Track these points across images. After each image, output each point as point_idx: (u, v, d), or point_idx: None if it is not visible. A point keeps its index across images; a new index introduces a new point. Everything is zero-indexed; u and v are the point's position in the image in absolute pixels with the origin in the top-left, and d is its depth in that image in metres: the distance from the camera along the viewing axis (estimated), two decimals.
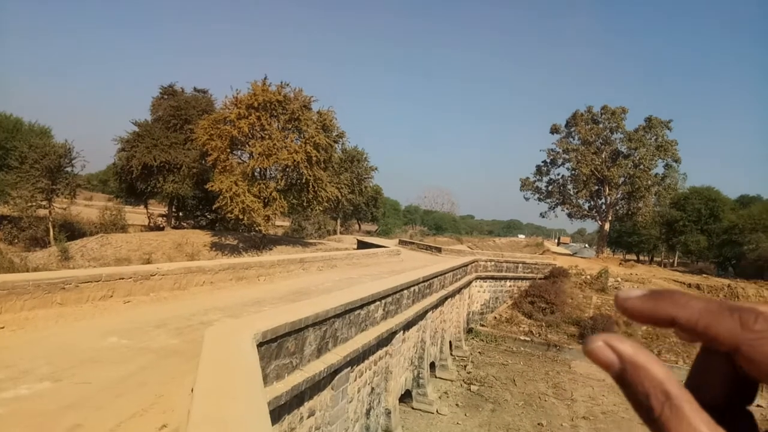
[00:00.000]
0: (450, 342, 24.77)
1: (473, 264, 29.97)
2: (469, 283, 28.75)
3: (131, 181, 43.47)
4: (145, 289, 10.98)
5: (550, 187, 58.27)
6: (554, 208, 58.93)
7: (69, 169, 41.70)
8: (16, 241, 39.66)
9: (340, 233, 64.30)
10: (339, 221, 67.15)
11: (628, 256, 70.87)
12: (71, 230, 42.95)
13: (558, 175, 57.96)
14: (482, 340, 29.74)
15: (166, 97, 47.08)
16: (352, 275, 19.54)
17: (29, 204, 38.75)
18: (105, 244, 36.74)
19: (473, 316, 31.00)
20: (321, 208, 40.74)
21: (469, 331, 30.12)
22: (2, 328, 7.61)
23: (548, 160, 57.43)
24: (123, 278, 10.45)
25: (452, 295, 23.42)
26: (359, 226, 79.51)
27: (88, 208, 52.55)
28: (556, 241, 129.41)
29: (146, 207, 53.05)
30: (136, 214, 52.65)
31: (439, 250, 37.05)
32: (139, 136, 42.65)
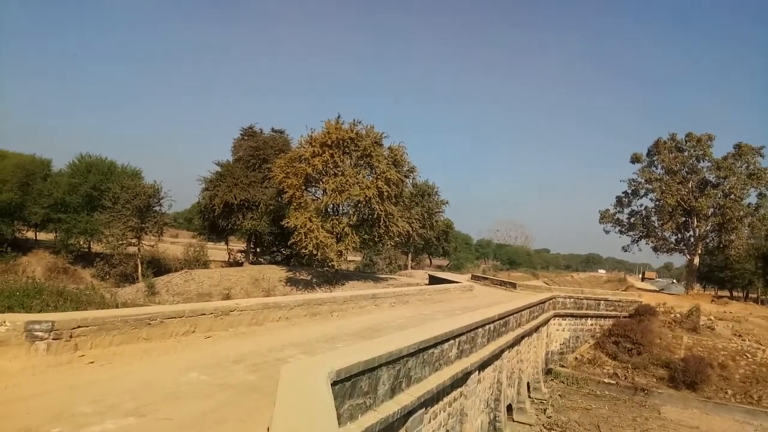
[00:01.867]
0: (528, 383, 23.67)
1: (551, 301, 28.78)
2: (547, 321, 27.56)
3: (213, 219, 45.79)
4: (225, 324, 11.30)
5: (632, 219, 55.39)
6: (637, 241, 55.83)
7: (157, 208, 44.59)
8: (107, 277, 42.53)
9: (411, 268, 64.10)
10: (410, 256, 67.11)
11: (720, 293, 65.59)
12: (158, 266, 45.60)
13: (641, 206, 55.05)
14: (562, 382, 28.21)
15: (246, 138, 49.68)
16: (424, 312, 19.27)
17: (120, 242, 41.59)
18: (188, 279, 38.56)
19: (552, 356, 29.58)
20: (392, 243, 40.92)
21: (548, 372, 28.69)
22: (92, 362, 8.02)
23: (629, 191, 54.79)
24: (204, 314, 10.81)
25: (529, 333, 22.49)
26: (430, 260, 78.98)
27: (173, 245, 55.69)
28: (641, 276, 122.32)
29: (227, 243, 55.55)
30: (217, 251, 55.14)
31: (513, 285, 35.95)
32: (221, 176, 45.07)
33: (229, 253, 54.61)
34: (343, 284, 38.15)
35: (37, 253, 45.82)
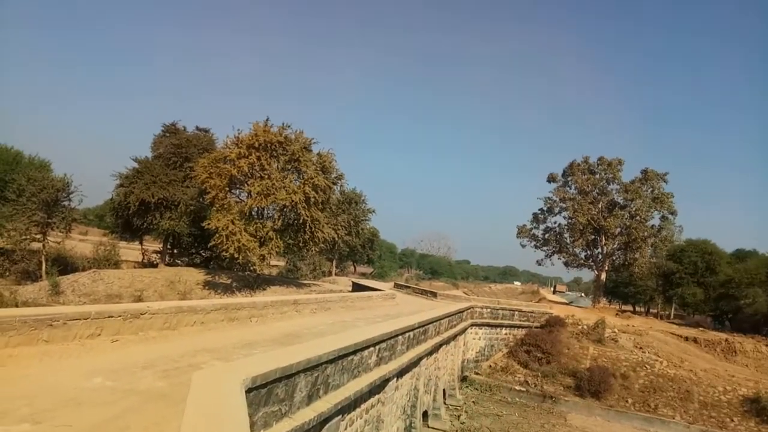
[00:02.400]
0: (444, 390, 24.21)
1: (469, 310, 29.66)
2: (464, 330, 28.37)
3: (128, 217, 43.33)
4: (134, 328, 10.75)
5: (546, 235, 58.46)
6: (551, 256, 58.98)
7: (66, 203, 41.66)
8: (7, 274, 39.18)
9: (336, 275, 63.93)
10: (334, 262, 66.91)
11: (624, 307, 70.29)
12: (64, 264, 42.55)
13: (555, 223, 58.34)
14: (477, 389, 29.11)
15: (167, 134, 47.57)
16: (346, 318, 19.26)
17: (23, 237, 38.49)
18: (97, 279, 36.31)
19: (468, 364, 30.45)
20: (317, 249, 40.62)
21: (464, 379, 29.51)
22: None
23: (545, 208, 57.85)
24: (112, 316, 10.23)
25: (447, 341, 23.05)
26: (354, 268, 79.12)
27: (82, 243, 52.23)
28: (552, 289, 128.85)
29: (141, 243, 52.75)
30: (130, 250, 52.30)
31: (434, 294, 36.73)
32: (138, 173, 42.82)
33: (143, 254, 51.90)
34: (264, 289, 37.35)
35: None
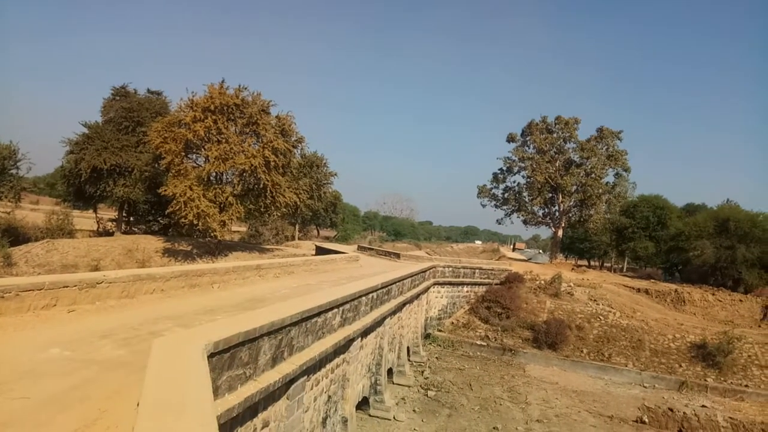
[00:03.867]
0: (408, 348, 24.82)
1: (431, 270, 30.18)
2: (427, 289, 28.93)
3: (80, 185, 41.79)
4: (91, 297, 10.54)
5: (506, 195, 59.49)
6: (510, 215, 60.20)
7: (13, 171, 39.90)
8: None
9: (299, 239, 63.70)
10: (297, 227, 66.56)
11: (580, 262, 72.93)
12: (15, 235, 40.95)
13: (514, 182, 59.32)
14: (440, 346, 29.95)
15: (118, 98, 45.51)
16: (310, 282, 19.34)
17: None
18: (51, 249, 35.18)
19: (431, 322, 31.19)
20: (279, 214, 40.27)
21: (427, 336, 30.28)
22: None
23: (504, 168, 58.66)
24: (67, 286, 9.99)
25: (410, 301, 23.49)
26: (318, 231, 78.95)
27: (33, 212, 50.27)
28: (512, 247, 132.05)
29: (95, 212, 51.14)
30: (84, 219, 50.69)
31: (397, 256, 37.16)
32: (88, 138, 41.09)
33: (98, 222, 50.39)
34: (226, 255, 36.99)
35: None
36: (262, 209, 36.90)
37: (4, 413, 5.19)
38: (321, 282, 19.54)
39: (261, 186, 34.58)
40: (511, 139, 57.76)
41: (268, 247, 46.52)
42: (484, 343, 29.97)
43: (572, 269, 49.94)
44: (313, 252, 40.58)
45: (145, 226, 49.47)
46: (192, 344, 5.56)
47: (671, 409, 22.89)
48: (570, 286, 36.44)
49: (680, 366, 27.82)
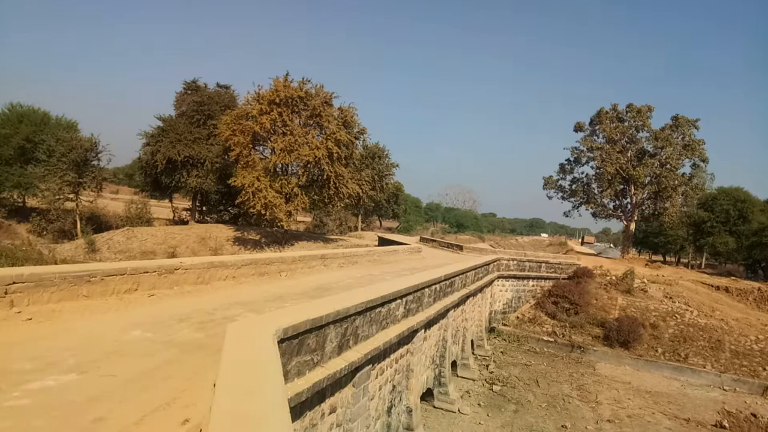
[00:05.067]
0: (472, 341, 24.59)
1: (495, 263, 29.70)
2: (491, 282, 28.50)
3: (156, 176, 44.13)
4: (169, 282, 11.09)
5: (573, 186, 57.42)
6: (578, 207, 58.08)
7: (95, 162, 42.55)
8: (44, 232, 40.62)
9: (361, 230, 64.38)
10: (360, 218, 67.28)
11: (654, 257, 69.59)
12: (98, 223, 43.83)
13: (582, 173, 57.07)
14: (504, 340, 29.46)
15: (189, 92, 47.62)
16: (373, 272, 19.50)
17: (57, 197, 39.63)
18: (131, 237, 37.35)
19: (495, 316, 30.75)
20: (342, 205, 40.84)
21: (491, 330, 29.87)
22: (30, 319, 7.73)
23: (572, 159, 56.58)
24: (147, 272, 10.56)
25: (474, 294, 23.22)
26: (380, 222, 79.52)
27: (114, 202, 53.59)
28: (580, 240, 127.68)
29: (171, 201, 53.83)
30: (161, 208, 53.48)
31: (460, 248, 36.79)
32: (163, 131, 43.26)
33: (173, 211, 53.06)
34: (292, 244, 37.96)
35: None
36: (325, 200, 37.55)
37: (94, 389, 5.54)
38: (384, 273, 19.65)
39: (325, 177, 35.18)
40: (579, 128, 55.62)
41: (331, 237, 47.34)
42: (552, 339, 29.20)
43: (646, 265, 47.65)
44: (376, 243, 40.90)
45: (217, 216, 51.61)
46: (263, 330, 5.73)
47: (754, 415, 21.47)
48: (643, 282, 34.83)
49: (764, 369, 26.01)
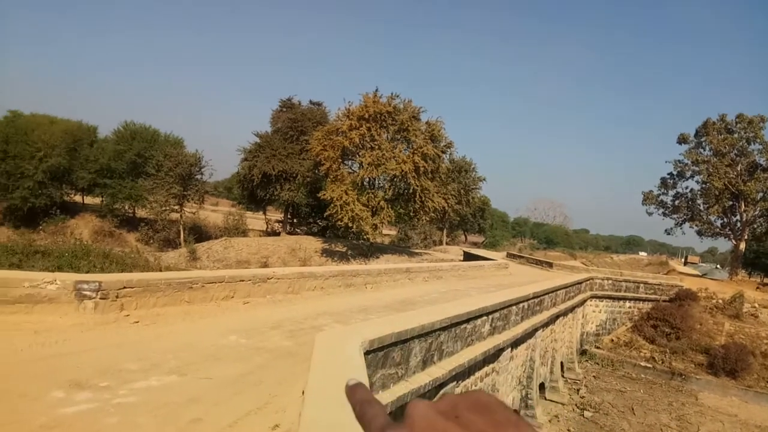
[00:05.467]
0: (561, 363, 23.54)
1: (588, 282, 28.34)
2: (583, 302, 27.21)
3: (252, 189, 46.59)
4: (263, 291, 11.60)
5: (676, 202, 53.63)
6: (681, 224, 54.12)
7: (199, 176, 45.59)
8: (151, 241, 44.01)
9: (446, 244, 63.92)
10: (445, 232, 66.83)
11: (766, 280, 63.24)
12: (199, 233, 46.84)
13: (686, 188, 53.13)
14: (597, 364, 27.94)
15: (284, 109, 49.96)
16: (458, 287, 19.27)
17: (163, 208, 42.85)
18: (228, 246, 39.52)
19: (587, 337, 29.27)
20: (427, 218, 40.79)
21: (583, 352, 28.45)
22: (137, 322, 8.37)
23: (675, 173, 52.92)
24: (243, 280, 11.12)
25: (564, 313, 22.27)
26: (465, 237, 78.60)
27: (214, 213, 57.03)
28: (683, 260, 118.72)
29: (265, 213, 56.48)
30: (255, 220, 56.22)
31: (550, 265, 35.50)
32: (260, 147, 45.64)
33: (267, 223, 55.59)
34: (377, 257, 38.43)
35: (84, 216, 47.72)
36: (411, 213, 37.71)
37: (192, 390, 5.90)
38: (469, 288, 19.37)
39: (411, 191, 35.40)
40: (683, 140, 52.02)
41: (416, 250, 47.41)
42: (649, 365, 27.32)
43: (757, 288, 43.43)
44: (461, 257, 40.44)
45: (306, 228, 53.43)
46: (350, 341, 5.83)
47: None
48: (754, 307, 31.79)
49: None
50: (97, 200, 52.52)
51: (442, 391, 8.76)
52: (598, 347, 29.30)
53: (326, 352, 5.35)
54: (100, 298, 8.30)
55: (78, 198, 54.79)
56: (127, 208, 50.23)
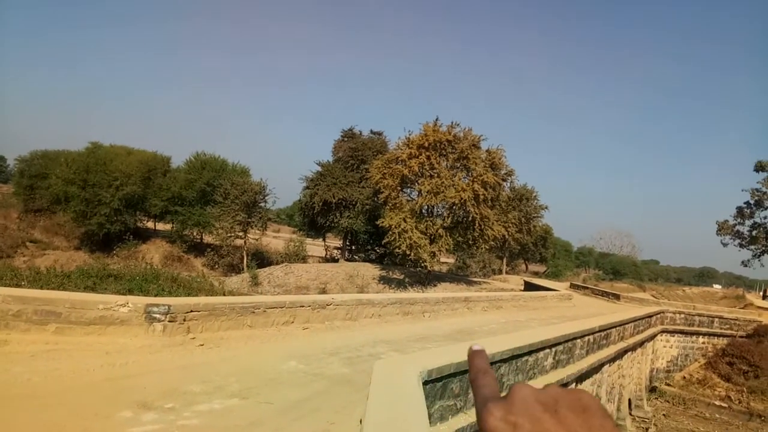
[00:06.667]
0: (629, 400, 22.28)
1: (659, 315, 26.90)
2: (653, 337, 25.80)
3: (313, 216, 47.64)
4: (321, 317, 11.74)
5: (754, 232, 50.33)
6: (760, 256, 50.67)
7: (262, 204, 47.11)
8: (216, 266, 45.59)
9: (506, 273, 62.59)
10: (505, 260, 65.52)
11: None
12: (261, 259, 48.14)
13: (765, 218, 49.89)
14: (668, 402, 26.26)
15: (345, 139, 51.20)
16: (519, 318, 18.77)
17: (229, 234, 44.40)
18: (288, 272, 40.35)
19: (657, 374, 27.64)
20: (486, 247, 40.20)
21: (652, 390, 26.84)
22: (202, 345, 8.65)
23: (752, 202, 49.81)
24: (303, 306, 11.30)
25: (633, 348, 21.16)
26: (526, 266, 76.69)
27: (275, 240, 58.55)
28: (762, 294, 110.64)
29: (324, 240, 57.45)
30: (315, 246, 57.23)
31: (617, 297, 34.00)
32: (321, 176, 46.79)
33: (325, 250, 56.46)
34: (435, 285, 38.11)
35: (156, 241, 50.10)
36: (470, 242, 37.30)
37: (253, 414, 6.01)
38: (530, 319, 18.82)
39: (470, 219, 35.10)
40: (760, 167, 49.01)
41: (475, 279, 46.67)
42: (725, 405, 25.40)
43: None
44: (521, 287, 39.45)
45: (364, 255, 53.85)
46: (408, 370, 5.78)
47: None
48: None
49: None
50: (168, 226, 55.09)
51: None
52: (668, 384, 27.59)
53: (384, 381, 5.33)
54: (169, 321, 8.65)
55: (150, 224, 57.68)
56: (195, 234, 52.38)
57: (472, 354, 0.77)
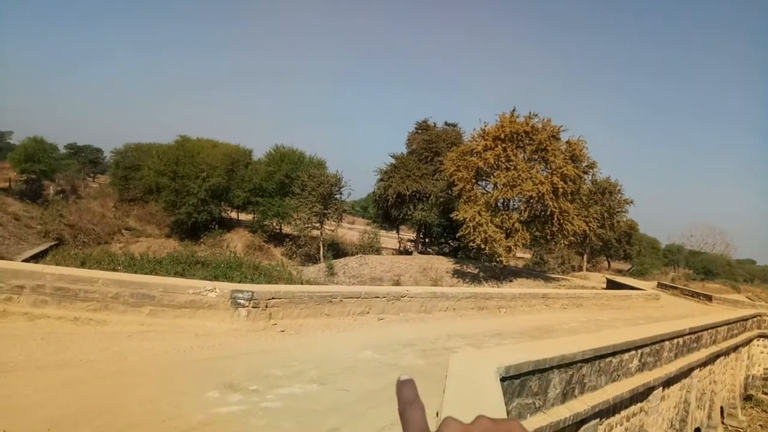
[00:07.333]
0: (721, 408, 20.82)
1: (755, 318, 24.91)
2: (748, 341, 23.93)
3: (387, 208, 47.96)
4: (396, 308, 11.80)
5: None
6: None
7: (338, 196, 47.98)
8: (294, 256, 47.00)
9: (586, 270, 60.17)
10: (585, 257, 63.00)
11: None
12: (336, 249, 49.13)
13: None
14: (765, 411, 24.31)
15: (420, 131, 51.04)
16: (601, 317, 18.01)
17: (306, 225, 45.61)
18: (363, 263, 40.91)
19: (753, 381, 25.64)
20: (566, 242, 38.79)
21: (748, 398, 24.94)
22: (283, 331, 8.94)
23: None
24: (378, 297, 11.41)
25: (726, 353, 19.73)
26: (608, 263, 73.31)
27: (350, 231, 59.57)
28: None
29: (398, 232, 57.72)
30: (388, 238, 57.64)
31: (708, 297, 31.82)
32: (395, 168, 46.95)
33: (399, 242, 56.71)
34: (510, 281, 37.29)
35: (238, 231, 52.35)
36: (548, 237, 36.14)
37: (331, 400, 6.14)
38: (613, 319, 18.01)
39: (548, 213, 33.98)
40: None
41: (552, 276, 45.22)
42: None
43: None
44: (603, 285, 37.77)
45: (438, 248, 53.65)
46: (485, 365, 5.67)
47: None
48: None
49: None
50: (250, 217, 57.35)
51: (583, 427, 8.19)
52: (766, 393, 25.52)
53: (461, 375, 5.26)
54: (252, 307, 9.01)
55: (233, 214, 60.30)
56: (274, 224, 54.21)
57: (400, 384, 0.74)
